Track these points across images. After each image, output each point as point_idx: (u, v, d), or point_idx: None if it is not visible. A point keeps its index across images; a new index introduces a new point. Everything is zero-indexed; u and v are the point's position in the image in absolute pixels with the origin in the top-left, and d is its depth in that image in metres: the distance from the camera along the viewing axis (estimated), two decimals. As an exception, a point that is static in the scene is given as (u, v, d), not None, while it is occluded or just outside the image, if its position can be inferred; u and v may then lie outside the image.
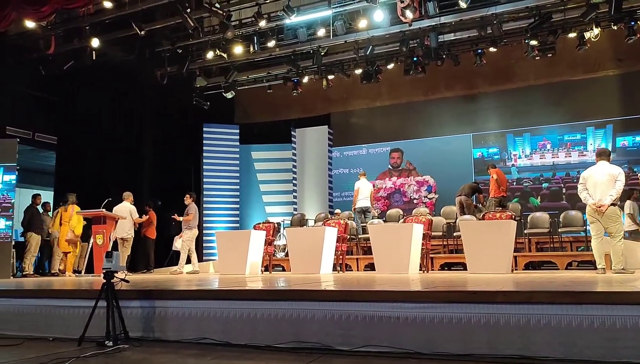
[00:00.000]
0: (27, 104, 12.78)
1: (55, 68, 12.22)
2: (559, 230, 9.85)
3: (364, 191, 12.03)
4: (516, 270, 8.72)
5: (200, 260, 14.26)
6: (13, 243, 9.65)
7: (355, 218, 11.96)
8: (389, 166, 15.38)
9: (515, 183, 13.90)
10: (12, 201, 9.36)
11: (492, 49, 12.04)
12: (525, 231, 9.99)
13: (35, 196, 10.68)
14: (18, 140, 10.04)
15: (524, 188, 13.82)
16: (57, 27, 11.72)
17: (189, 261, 10.26)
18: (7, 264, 9.30)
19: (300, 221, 12.98)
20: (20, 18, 9.82)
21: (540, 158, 13.82)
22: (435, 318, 3.61)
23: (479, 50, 12.25)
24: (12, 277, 9.32)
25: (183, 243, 10.26)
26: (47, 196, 12.49)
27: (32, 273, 10.21)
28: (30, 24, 10.61)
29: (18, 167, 9.56)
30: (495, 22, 10.93)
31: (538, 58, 11.92)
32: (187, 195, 10.72)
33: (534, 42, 11.37)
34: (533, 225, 10.04)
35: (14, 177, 9.38)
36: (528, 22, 11.06)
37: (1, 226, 9.28)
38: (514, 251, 8.27)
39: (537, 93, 13.70)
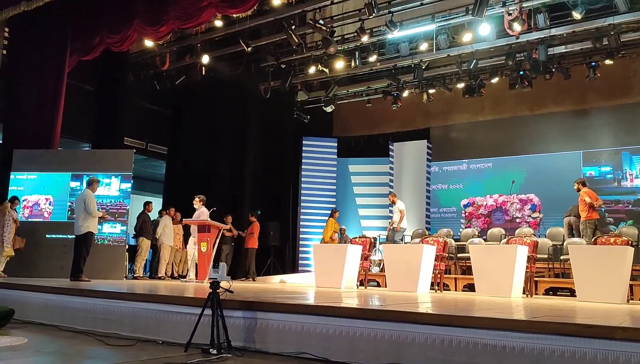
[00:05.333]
0: (142, 117, 13.75)
1: (168, 83, 13.07)
2: (683, 258, 8.97)
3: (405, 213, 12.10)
4: (632, 299, 8.06)
5: (295, 270, 14.55)
6: (127, 247, 10.32)
7: (398, 238, 11.79)
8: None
9: (631, 205, 12.88)
10: (128, 207, 10.04)
11: (607, 62, 11.32)
12: (643, 258, 9.20)
13: (147, 204, 11.38)
14: (134, 151, 10.77)
15: (638, 210, 12.76)
16: (171, 45, 12.54)
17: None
18: (121, 266, 9.95)
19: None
20: (140, 38, 10.60)
21: (661, 179, 12.72)
22: (545, 350, 3.41)
23: (593, 63, 11.55)
24: (125, 278, 9.96)
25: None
26: (157, 202, 13.28)
27: (142, 275, 10.88)
28: (148, 43, 11.44)
29: (133, 176, 10.25)
30: (612, 32, 10.26)
31: (661, 71, 11.05)
32: (197, 199, 9.83)
33: (656, 54, 10.56)
34: (652, 252, 9.22)
35: (129, 185, 10.05)
36: (650, 33, 10.29)
37: (117, 230, 9.96)
38: (630, 280, 7.64)
39: (659, 108, 12.65)
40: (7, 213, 9.11)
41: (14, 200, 9.39)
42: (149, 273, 11.47)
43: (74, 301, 5.69)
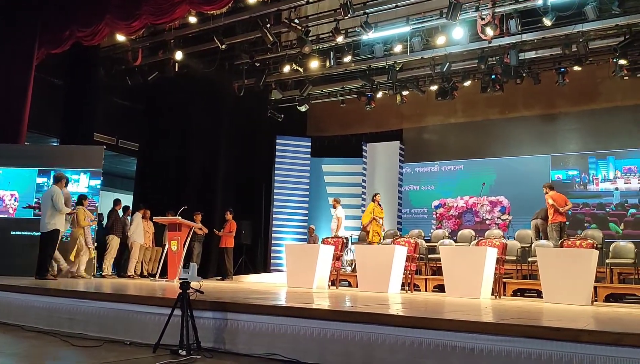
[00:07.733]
0: (113, 112, 13.50)
1: (140, 78, 12.86)
2: (646, 261, 9.24)
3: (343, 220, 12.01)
4: (596, 301, 8.25)
5: (267, 270, 14.49)
6: (95, 245, 10.13)
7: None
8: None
9: (596, 208, 13.20)
10: (97, 204, 9.86)
11: (576, 68, 11.57)
12: (607, 261, 9.44)
13: (117, 201, 11.19)
14: (105, 147, 10.57)
15: (600, 214, 13.08)
16: (144, 40, 12.34)
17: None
18: (90, 264, 9.76)
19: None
20: (112, 33, 10.42)
21: (625, 183, 13.05)
22: (512, 352, 3.46)
23: (562, 69, 11.80)
24: (92, 277, 9.77)
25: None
26: (127, 200, 13.08)
27: (110, 273, 10.69)
28: (121, 37, 11.25)
29: (102, 172, 10.07)
30: (581, 40, 10.51)
31: (627, 78, 11.33)
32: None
33: (623, 62, 10.84)
34: (616, 255, 9.47)
35: (99, 181, 9.88)
36: (617, 41, 10.55)
37: (85, 228, 9.76)
38: (595, 281, 7.83)
39: (624, 115, 12.98)
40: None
41: (86, 198, 9.33)
42: (115, 271, 11.28)
43: (38, 300, 5.55)
